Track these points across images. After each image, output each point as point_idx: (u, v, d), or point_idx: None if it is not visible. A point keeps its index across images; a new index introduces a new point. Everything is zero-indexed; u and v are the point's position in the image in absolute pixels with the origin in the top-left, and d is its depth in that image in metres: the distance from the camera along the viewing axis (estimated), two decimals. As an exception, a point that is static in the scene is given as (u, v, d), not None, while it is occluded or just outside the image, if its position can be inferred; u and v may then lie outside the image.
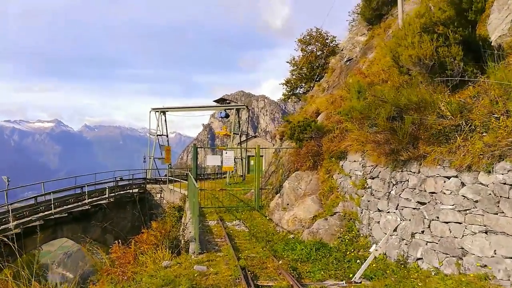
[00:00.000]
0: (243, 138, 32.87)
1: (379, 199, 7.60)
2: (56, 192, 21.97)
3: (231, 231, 9.99)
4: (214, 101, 32.15)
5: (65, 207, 19.97)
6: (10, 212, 16.34)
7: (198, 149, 12.70)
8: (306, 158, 10.25)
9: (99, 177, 26.50)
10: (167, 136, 33.68)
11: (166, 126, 33.64)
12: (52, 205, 18.55)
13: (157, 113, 32.88)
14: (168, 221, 16.67)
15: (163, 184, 26.96)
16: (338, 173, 8.84)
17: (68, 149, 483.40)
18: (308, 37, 39.69)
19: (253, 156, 41.76)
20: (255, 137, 44.27)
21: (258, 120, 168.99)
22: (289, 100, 44.78)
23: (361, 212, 7.88)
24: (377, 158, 7.65)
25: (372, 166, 7.91)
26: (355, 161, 8.30)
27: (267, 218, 11.14)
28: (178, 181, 23.63)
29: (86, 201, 20.85)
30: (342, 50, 26.40)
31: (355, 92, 9.46)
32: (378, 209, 7.59)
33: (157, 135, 32.66)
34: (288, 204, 9.95)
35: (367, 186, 7.98)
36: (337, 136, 9.48)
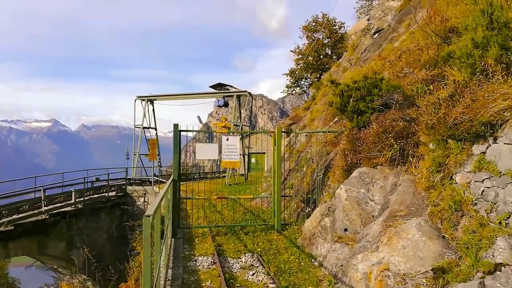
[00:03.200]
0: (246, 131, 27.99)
1: None
2: (8, 197, 17.03)
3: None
4: (210, 86, 27.12)
5: (8, 218, 14.97)
6: None
7: (182, 133, 7.76)
8: (380, 143, 5.37)
9: (71, 176, 21.57)
10: (155, 128, 28.63)
11: (154, 117, 28.60)
12: (-12, 216, 13.59)
13: (143, 102, 27.87)
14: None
15: (148, 186, 22.01)
16: (473, 171, 4.05)
17: (65, 149, 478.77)
18: (314, 23, 35.35)
19: (254, 153, 36.99)
20: (255, 133, 39.34)
21: (256, 119, 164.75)
22: (293, 92, 40.52)
23: None
24: None
25: None
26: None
27: (302, 250, 6.29)
28: (164, 182, 18.78)
29: (43, 209, 15.85)
30: (369, 20, 21.58)
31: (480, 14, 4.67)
32: None
33: (143, 128, 27.63)
34: (347, 231, 5.16)
35: None
36: (455, 99, 4.58)
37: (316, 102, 22.88)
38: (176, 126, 7.73)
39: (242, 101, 27.29)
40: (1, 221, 14.53)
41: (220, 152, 7.85)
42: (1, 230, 14.06)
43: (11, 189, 17.20)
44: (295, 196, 8.58)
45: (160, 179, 20.26)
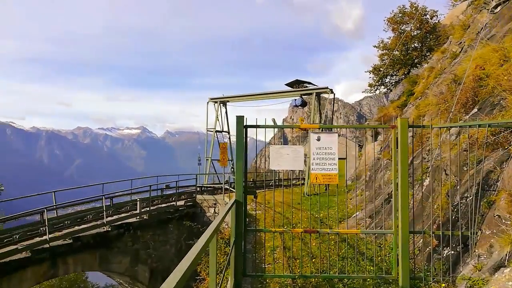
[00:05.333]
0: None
1: None
2: (73, 205, 16.05)
3: None
4: (286, 84, 24.33)
5: (69, 230, 13.72)
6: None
7: (248, 129, 4.94)
8: None
9: (141, 183, 20.44)
10: (228, 132, 26.72)
11: (227, 120, 26.70)
12: (46, 227, 12.33)
13: (215, 104, 26.12)
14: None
15: (219, 195, 19.89)
16: None
17: (152, 153, 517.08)
18: (400, 14, 30.96)
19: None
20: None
21: (332, 123, 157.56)
22: (377, 91, 36.30)
23: None
24: None
25: None
26: None
27: None
28: (232, 191, 16.45)
29: (105, 220, 14.41)
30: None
31: None
32: None
33: (216, 131, 25.84)
34: None
35: None
36: None
37: (417, 96, 18.89)
38: (240, 119, 4.96)
39: (323, 100, 24.05)
40: (60, 233, 13.34)
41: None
42: (59, 244, 12.82)
43: (107, 190, 16.20)
44: (424, 231, 5.22)
45: (231, 189, 17.94)
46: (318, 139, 4.74)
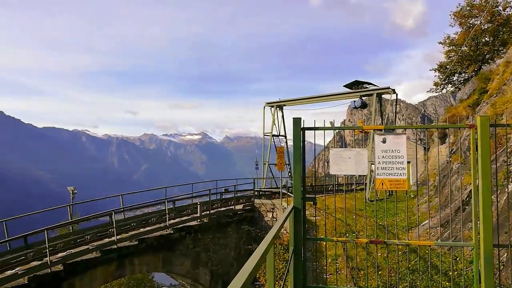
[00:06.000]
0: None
1: None
2: (137, 208, 16.89)
3: None
4: (344, 85, 23.53)
5: (135, 231, 14.39)
6: (47, 241, 11.19)
7: (306, 132, 4.71)
8: None
9: (201, 187, 21.02)
10: (285, 136, 26.48)
11: (284, 124, 26.50)
12: (114, 228, 13.04)
13: (272, 108, 26.08)
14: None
15: (276, 200, 19.71)
16: None
17: (212, 158, 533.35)
18: (468, 8, 28.58)
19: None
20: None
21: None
22: (444, 90, 33.85)
23: None
24: None
25: None
26: None
27: None
28: (290, 195, 16.19)
29: (167, 223, 14.93)
30: None
31: None
32: None
33: (272, 135, 25.75)
34: None
35: None
36: None
37: (491, 93, 17.30)
38: (297, 121, 4.75)
39: (384, 101, 22.89)
40: (127, 234, 14.05)
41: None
42: (126, 245, 13.49)
43: (169, 194, 17.04)
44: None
45: (288, 193, 17.68)
46: (384, 141, 4.35)
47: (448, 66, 30.41)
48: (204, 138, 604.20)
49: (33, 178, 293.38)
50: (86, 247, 12.70)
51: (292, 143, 4.95)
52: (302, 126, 4.76)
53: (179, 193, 19.42)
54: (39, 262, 11.28)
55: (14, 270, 10.79)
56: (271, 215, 18.42)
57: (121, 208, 15.15)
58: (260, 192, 22.51)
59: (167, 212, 15.00)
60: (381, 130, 4.86)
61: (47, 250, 10.98)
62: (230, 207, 18.84)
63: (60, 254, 11.87)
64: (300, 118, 4.82)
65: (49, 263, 11.01)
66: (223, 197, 20.76)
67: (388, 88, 21.57)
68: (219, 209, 18.49)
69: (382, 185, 4.14)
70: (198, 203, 16.67)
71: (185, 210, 17.86)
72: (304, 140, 4.85)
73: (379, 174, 4.21)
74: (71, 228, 14.66)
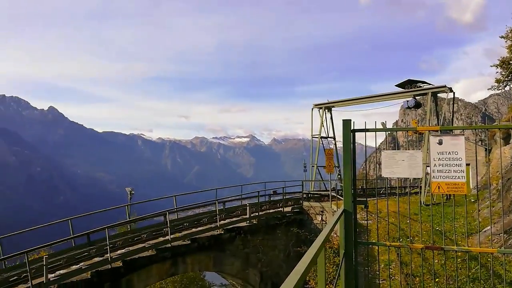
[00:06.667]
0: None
1: None
2: (190, 208, 17.49)
3: None
4: (397, 85, 22.62)
5: (188, 231, 14.90)
6: (107, 239, 11.95)
7: (356, 134, 4.64)
8: None
9: (248, 189, 21.30)
10: (334, 138, 26.03)
11: (332, 126, 26.06)
12: (168, 228, 13.62)
13: (320, 110, 25.76)
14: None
15: (326, 202, 19.43)
16: None
17: (260, 160, 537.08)
18: None
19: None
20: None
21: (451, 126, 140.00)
22: (507, 87, 31.36)
23: None
24: None
25: None
26: None
27: None
28: (340, 198, 15.87)
29: (218, 223, 15.31)
30: None
31: None
32: None
33: (321, 137, 25.41)
34: None
35: None
36: None
37: None
38: (347, 123, 4.70)
39: (439, 100, 21.72)
40: (180, 234, 14.59)
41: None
42: (179, 244, 14.02)
43: (219, 195, 17.60)
44: None
45: (338, 196, 17.35)
46: (440, 143, 4.16)
47: (511, 62, 28.20)
48: (252, 140, 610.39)
49: (95, 179, 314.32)
50: (143, 245, 13.38)
51: (341, 145, 4.89)
52: (352, 128, 4.69)
53: (228, 195, 19.83)
54: (101, 258, 12.08)
55: (78, 265, 11.65)
56: (320, 217, 18.18)
57: (174, 209, 15.78)
58: (309, 195, 22.31)
59: (217, 213, 15.39)
60: (436, 131, 4.66)
61: (108, 247, 11.73)
62: (279, 209, 18.88)
63: (119, 251, 12.62)
64: (350, 120, 4.75)
65: (109, 259, 11.75)
66: (271, 199, 20.89)
67: (444, 86, 20.43)
68: (268, 211, 18.61)
69: (439, 188, 3.96)
70: (247, 204, 16.90)
71: (235, 211, 18.18)
72: (354, 142, 4.78)
73: (435, 177, 4.03)
74: (128, 227, 15.51)
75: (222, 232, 15.49)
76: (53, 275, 10.80)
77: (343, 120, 4.71)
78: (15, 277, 10.85)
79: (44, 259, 10.36)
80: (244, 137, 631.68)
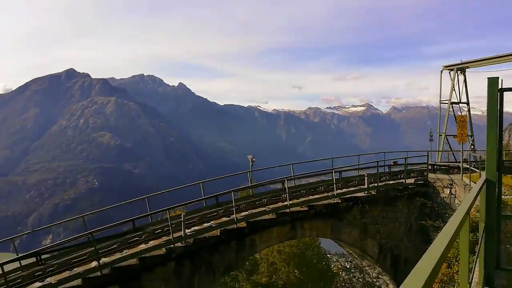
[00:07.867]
0: None
1: None
2: (306, 177, 17.84)
3: None
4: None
5: (305, 198, 15.25)
6: (233, 201, 13.09)
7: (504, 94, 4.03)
8: None
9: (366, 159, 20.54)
10: (467, 103, 22.95)
11: (466, 90, 22.94)
12: (287, 194, 14.18)
13: (451, 72, 22.86)
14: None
15: (455, 175, 17.56)
16: None
17: (377, 130, 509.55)
18: None
19: None
20: None
21: None
22: None
23: None
24: None
25: None
26: None
27: None
28: (475, 171, 14.05)
29: (335, 192, 15.29)
30: None
31: None
32: None
33: (451, 103, 22.67)
34: None
35: None
36: None
37: None
38: (493, 81, 4.13)
39: None
40: (298, 200, 15.05)
41: None
42: (297, 210, 14.51)
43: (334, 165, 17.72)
44: None
45: (472, 168, 15.47)
46: None
47: None
48: (368, 109, 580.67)
49: (218, 149, 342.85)
50: (264, 208, 14.27)
51: (474, 112, 4.29)
52: (499, 86, 4.09)
53: (343, 165, 19.44)
54: (227, 218, 13.33)
55: (209, 223, 13.10)
56: (448, 191, 16.57)
57: (291, 176, 16.30)
58: (435, 167, 20.43)
59: (334, 181, 15.34)
60: None
61: (233, 209, 12.86)
62: (400, 181, 17.82)
63: (243, 213, 13.72)
64: (497, 78, 4.16)
65: (235, 219, 12.89)
66: (391, 170, 19.81)
67: None
68: (388, 182, 17.75)
69: None
70: (366, 174, 16.39)
71: (352, 181, 17.85)
72: (502, 103, 4.19)
73: None
74: (250, 191, 16.64)
75: (339, 201, 15.44)
76: (189, 230, 12.39)
77: (488, 78, 4.14)
78: (159, 230, 12.79)
79: (182, 216, 11.94)
80: (360, 106, 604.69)
